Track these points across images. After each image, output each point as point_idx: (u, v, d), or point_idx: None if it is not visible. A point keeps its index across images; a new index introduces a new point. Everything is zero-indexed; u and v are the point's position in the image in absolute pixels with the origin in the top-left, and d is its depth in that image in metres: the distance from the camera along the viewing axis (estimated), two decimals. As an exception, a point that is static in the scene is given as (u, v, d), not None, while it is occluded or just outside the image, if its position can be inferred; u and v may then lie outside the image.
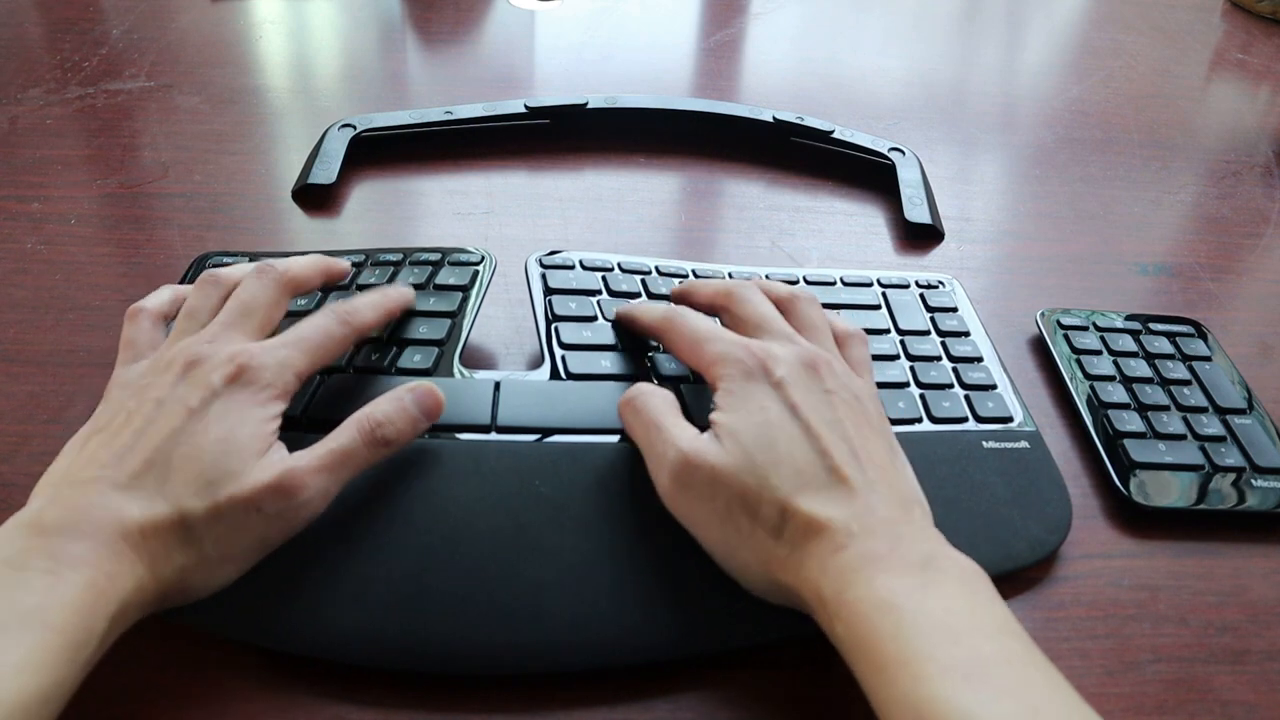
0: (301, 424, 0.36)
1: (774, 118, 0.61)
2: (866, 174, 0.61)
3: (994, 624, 0.28)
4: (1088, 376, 0.45)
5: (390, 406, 0.33)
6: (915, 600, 0.28)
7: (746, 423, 0.32)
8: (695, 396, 0.38)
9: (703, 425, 0.33)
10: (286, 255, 0.45)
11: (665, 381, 0.39)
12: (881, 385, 0.40)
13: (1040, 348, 0.48)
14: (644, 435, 0.34)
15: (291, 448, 0.32)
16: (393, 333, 0.40)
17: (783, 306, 0.37)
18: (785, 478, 0.31)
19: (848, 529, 0.29)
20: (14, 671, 0.24)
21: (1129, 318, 0.49)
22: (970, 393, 0.42)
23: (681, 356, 0.37)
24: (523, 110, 0.60)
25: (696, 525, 0.32)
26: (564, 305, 0.42)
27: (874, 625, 0.27)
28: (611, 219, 0.55)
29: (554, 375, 0.39)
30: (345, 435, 0.32)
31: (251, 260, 0.45)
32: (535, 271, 0.44)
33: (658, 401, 0.35)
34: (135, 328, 0.35)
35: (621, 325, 0.41)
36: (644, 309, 0.40)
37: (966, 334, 0.45)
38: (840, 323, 0.38)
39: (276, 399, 0.32)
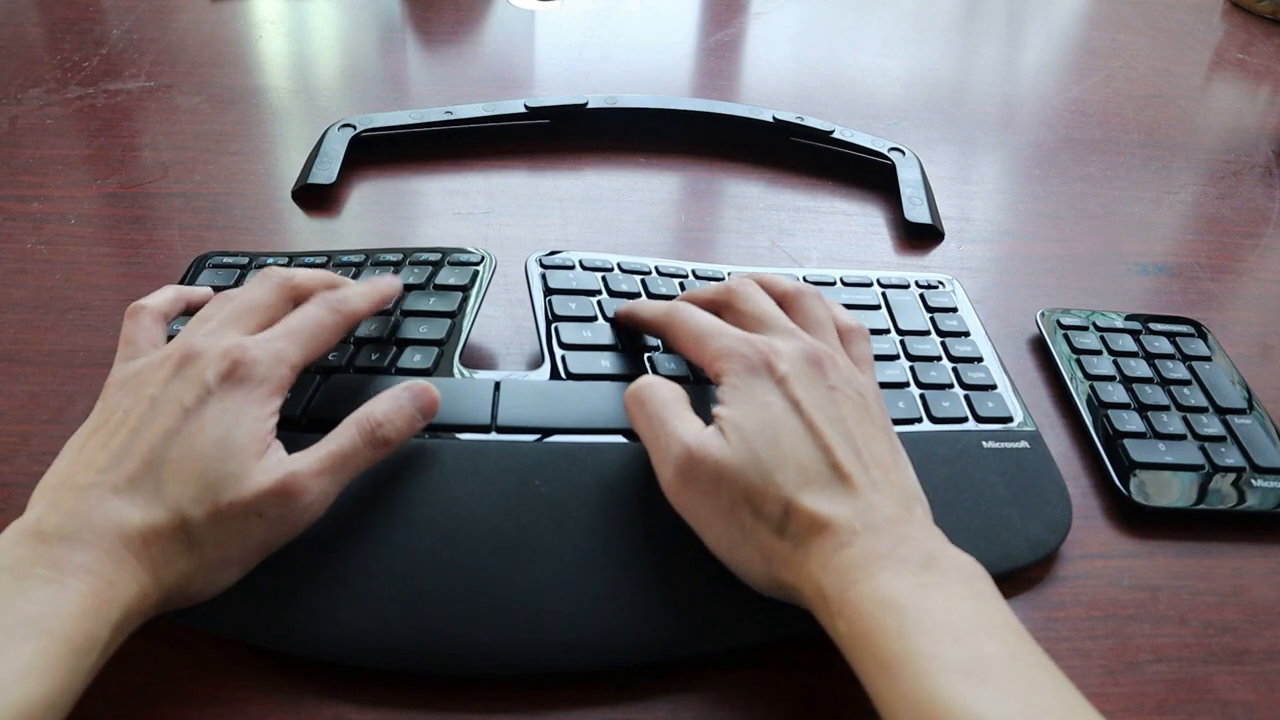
0: (301, 424, 0.36)
1: (774, 118, 0.61)
2: (866, 174, 0.61)
3: (996, 623, 0.28)
4: (1088, 376, 0.45)
5: (389, 405, 0.33)
6: (917, 598, 0.28)
7: (751, 418, 0.32)
8: (698, 397, 0.38)
9: (707, 420, 0.33)
10: (288, 256, 0.45)
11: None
12: (881, 385, 0.40)
13: (1040, 348, 0.48)
14: (648, 429, 0.34)
15: (291, 447, 0.32)
16: (393, 333, 0.40)
17: (786, 302, 0.37)
18: (789, 475, 0.30)
19: (850, 527, 0.29)
20: (18, 678, 0.24)
21: (1129, 318, 0.49)
22: (970, 393, 0.42)
23: (684, 352, 0.36)
24: (523, 110, 0.60)
25: (699, 520, 0.32)
26: (564, 305, 0.42)
27: (876, 623, 0.27)
28: (611, 219, 0.55)
29: (554, 375, 0.39)
30: (345, 436, 0.32)
31: (251, 260, 0.45)
32: (535, 271, 0.44)
33: (664, 394, 0.34)
34: (135, 325, 0.35)
35: (622, 323, 0.41)
36: (645, 305, 0.40)
37: (966, 334, 0.45)
38: (844, 317, 0.38)
39: (272, 395, 0.32)
